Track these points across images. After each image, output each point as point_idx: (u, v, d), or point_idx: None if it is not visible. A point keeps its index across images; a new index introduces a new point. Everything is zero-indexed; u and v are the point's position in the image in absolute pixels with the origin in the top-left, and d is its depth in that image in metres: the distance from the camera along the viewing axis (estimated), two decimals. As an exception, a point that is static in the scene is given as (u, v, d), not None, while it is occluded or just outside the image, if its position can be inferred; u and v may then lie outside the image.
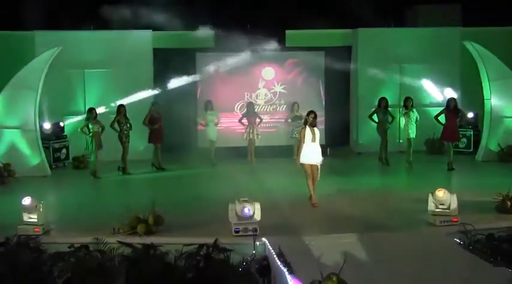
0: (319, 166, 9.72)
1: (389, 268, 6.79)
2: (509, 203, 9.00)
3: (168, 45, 16.25)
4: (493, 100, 15.02)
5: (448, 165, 13.80)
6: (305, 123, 9.84)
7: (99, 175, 13.30)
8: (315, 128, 9.83)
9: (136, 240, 7.80)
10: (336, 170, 13.31)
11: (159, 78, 16.03)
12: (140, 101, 15.45)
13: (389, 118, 14.79)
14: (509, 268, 6.74)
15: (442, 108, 13.99)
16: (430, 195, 8.68)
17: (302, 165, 9.78)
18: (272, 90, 17.18)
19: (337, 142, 16.87)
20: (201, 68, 16.58)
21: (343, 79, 17.14)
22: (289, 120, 16.09)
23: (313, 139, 9.74)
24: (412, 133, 14.22)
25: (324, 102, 17.22)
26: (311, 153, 9.73)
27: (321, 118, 16.38)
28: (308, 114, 9.84)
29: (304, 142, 9.74)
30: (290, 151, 15.87)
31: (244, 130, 15.54)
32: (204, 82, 16.74)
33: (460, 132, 15.19)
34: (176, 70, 15.85)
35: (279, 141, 16.59)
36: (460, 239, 7.88)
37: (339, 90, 16.87)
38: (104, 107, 15.41)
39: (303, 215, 9.31)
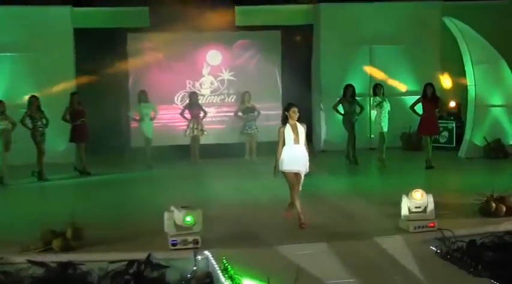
0: (302, 176, 9.02)
1: (354, 283, 6.87)
2: (493, 205, 9.13)
3: (93, 25, 16.20)
4: (478, 87, 15.24)
5: (426, 162, 14.04)
6: (284, 121, 9.05)
7: (7, 181, 13.16)
8: (298, 125, 9.06)
9: (50, 258, 7.70)
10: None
11: (82, 63, 15.99)
12: (59, 91, 15.37)
13: (358, 109, 15.05)
14: (493, 279, 6.87)
15: (418, 97, 14.21)
16: (403, 196, 8.80)
17: (284, 174, 9.05)
18: (219, 78, 17.36)
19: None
20: (133, 51, 16.65)
21: (304, 64, 17.42)
22: (240, 114, 16.28)
23: (297, 140, 8.98)
24: (385, 127, 14.46)
25: (280, 92, 17.51)
26: (295, 157, 8.96)
27: (276, 111, 16.72)
28: (288, 108, 9.06)
29: (284, 144, 8.99)
30: (241, 150, 16.00)
31: (186, 126, 15.64)
32: (137, 69, 16.73)
33: (440, 125, 15.45)
34: (103, 54, 15.81)
35: (228, 138, 16.95)
36: (437, 248, 7.96)
37: (299, 77, 17.01)
38: (15, 99, 15.11)
39: (255, 224, 9.40)
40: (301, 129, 9.06)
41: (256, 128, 16.06)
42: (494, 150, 15.04)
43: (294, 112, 9.01)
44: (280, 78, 17.46)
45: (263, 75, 17.29)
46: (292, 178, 9.02)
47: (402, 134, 17.05)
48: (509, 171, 12.98)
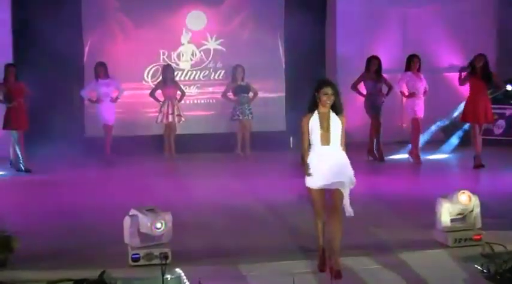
0: (345, 193, 7.92)
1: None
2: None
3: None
4: None
5: (474, 159, 14.09)
6: (312, 107, 7.94)
7: None
8: (333, 115, 7.94)
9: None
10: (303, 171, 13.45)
11: (22, 28, 16.01)
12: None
13: (385, 89, 15.23)
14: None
15: (465, 72, 14.38)
16: (441, 200, 8.89)
17: (308, 189, 8.07)
18: (203, 47, 17.35)
19: None
20: (89, 13, 16.62)
21: (315, 30, 17.22)
22: (230, 94, 16.27)
23: (327, 139, 7.91)
24: (420, 111, 14.72)
25: (284, 67, 17.44)
26: (323, 166, 7.91)
27: (278, 94, 17.09)
28: (319, 88, 7.90)
29: (310, 144, 8.00)
30: (231, 142, 16.14)
31: (158, 111, 15.73)
32: (95, 35, 16.75)
33: (494, 110, 15.36)
34: (49, 16, 15.59)
35: (213, 127, 16.96)
36: (483, 266, 7.98)
37: (308, 48, 16.96)
38: None
39: (241, 235, 9.44)
40: (336, 123, 7.89)
41: (251, 114, 16.11)
42: None
43: (327, 96, 7.82)
44: (284, 49, 17.38)
45: (261, 44, 17.20)
46: (317, 198, 8.00)
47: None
48: None
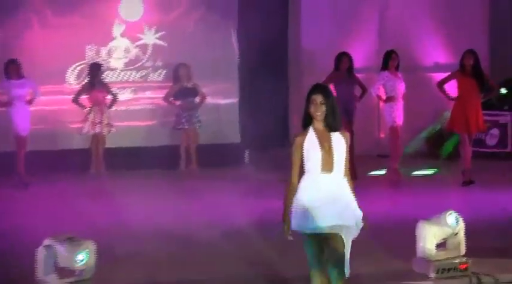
0: (347, 243, 7.28)
1: None
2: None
3: None
4: None
5: (463, 174, 14.24)
6: (306, 122, 7.36)
7: None
8: (336, 133, 7.32)
9: None
10: (261, 191, 13.76)
11: None
12: None
13: (358, 92, 15.38)
14: None
15: (452, 71, 14.55)
16: (424, 224, 8.98)
17: (301, 234, 7.38)
18: (139, 42, 17.35)
19: (264, 140, 17.02)
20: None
21: (275, 23, 17.35)
22: (172, 99, 16.29)
23: (329, 164, 7.27)
24: (399, 118, 14.88)
25: (238, 66, 17.54)
26: (323, 202, 7.27)
27: (231, 99, 17.20)
28: (308, 94, 7.33)
29: (304, 171, 7.39)
30: (173, 155, 16.06)
31: (84, 119, 15.64)
32: (5, 27, 16.55)
33: (487, 117, 15.43)
34: None
35: (152, 138, 16.94)
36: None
37: (267, 43, 17.03)
38: None
39: (183, 265, 9.49)
40: (339, 142, 7.29)
41: (199, 122, 16.08)
42: None
43: (315, 105, 7.20)
44: (238, 45, 17.47)
45: (210, 38, 17.20)
46: (313, 247, 7.29)
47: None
48: None
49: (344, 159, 7.24)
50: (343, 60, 15.17)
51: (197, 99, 16.20)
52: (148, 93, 17.29)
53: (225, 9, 17.40)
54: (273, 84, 17.00)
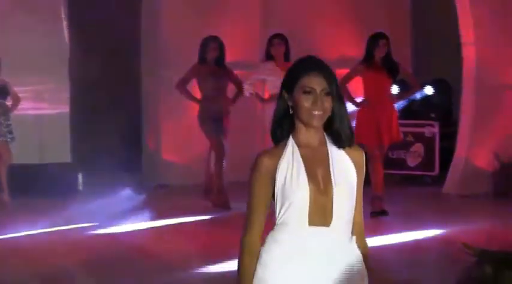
0: None
1: None
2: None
3: None
4: (481, 46, 15.20)
5: (372, 202, 13.05)
6: (280, 129, 5.44)
7: None
8: (341, 152, 5.43)
9: None
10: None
11: None
12: None
13: (232, 91, 14.56)
14: None
15: (356, 64, 13.88)
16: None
17: None
18: None
19: (104, 159, 15.39)
20: None
21: (123, 5, 16.50)
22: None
23: (325, 211, 5.37)
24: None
25: (69, 61, 16.34)
26: (309, 272, 5.49)
27: (61, 103, 16.20)
28: (297, 76, 5.47)
29: (274, 221, 5.73)
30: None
31: None
32: None
33: (408, 128, 15.86)
34: None
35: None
36: None
37: (112, 32, 16.27)
38: None
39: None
40: (346, 169, 5.23)
41: (10, 133, 14.89)
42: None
43: (313, 96, 5.12)
44: (69, 30, 16.21)
45: (31, 25, 15.64)
46: None
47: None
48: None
49: (353, 202, 5.13)
50: (210, 46, 14.02)
51: (8, 102, 15.11)
52: None
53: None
54: (119, 83, 16.66)
